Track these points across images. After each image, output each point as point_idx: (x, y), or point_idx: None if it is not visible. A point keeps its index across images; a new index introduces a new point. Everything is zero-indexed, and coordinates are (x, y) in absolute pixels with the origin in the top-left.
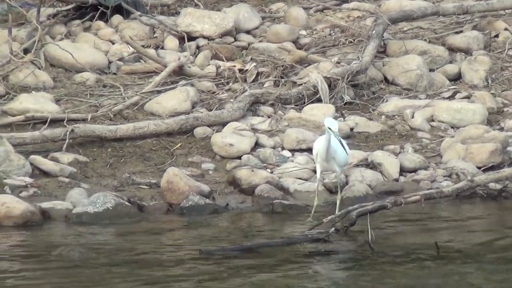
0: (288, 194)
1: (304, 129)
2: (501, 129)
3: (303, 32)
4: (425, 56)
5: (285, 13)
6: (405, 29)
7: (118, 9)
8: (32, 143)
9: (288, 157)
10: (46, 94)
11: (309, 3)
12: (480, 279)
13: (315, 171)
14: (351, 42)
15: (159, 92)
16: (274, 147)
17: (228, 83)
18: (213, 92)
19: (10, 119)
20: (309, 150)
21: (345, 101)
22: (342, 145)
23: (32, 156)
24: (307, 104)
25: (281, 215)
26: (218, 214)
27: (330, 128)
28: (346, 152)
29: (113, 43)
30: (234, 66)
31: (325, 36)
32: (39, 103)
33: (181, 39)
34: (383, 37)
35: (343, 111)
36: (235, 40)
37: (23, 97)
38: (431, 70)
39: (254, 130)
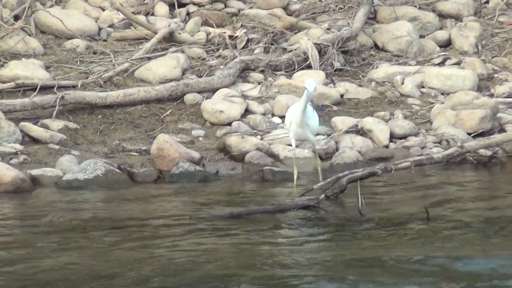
0: (278, 160)
1: (294, 95)
2: (491, 95)
3: None
4: (415, 22)
5: None
6: None
7: None
8: (22, 110)
9: (278, 124)
10: (36, 61)
11: None
12: (469, 244)
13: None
14: (341, 8)
15: (149, 58)
16: (264, 114)
17: (218, 49)
18: (203, 59)
19: (0, 86)
20: None
21: (335, 68)
22: (312, 105)
23: (22, 123)
24: (297, 71)
25: (271, 182)
26: (208, 181)
27: (306, 88)
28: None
29: (103, 10)
30: (224, 32)
31: (315, 2)
32: (29, 70)
33: (171, 6)
34: (373, 3)
35: (333, 78)
36: (226, 6)
37: (13, 64)
38: (421, 36)
39: (244, 96)
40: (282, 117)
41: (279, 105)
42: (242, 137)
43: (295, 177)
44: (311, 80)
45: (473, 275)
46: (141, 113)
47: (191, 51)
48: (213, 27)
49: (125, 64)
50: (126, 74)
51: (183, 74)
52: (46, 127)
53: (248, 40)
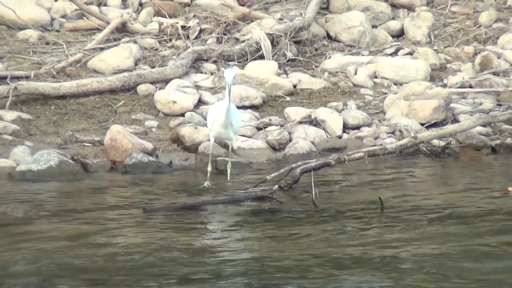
0: (232, 151)
1: (247, 86)
2: (444, 85)
3: None
4: (367, 12)
5: None
6: None
7: None
8: None
9: None
10: None
11: None
12: (422, 234)
13: (258, 128)
14: None
15: (102, 49)
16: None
17: (171, 40)
18: (156, 49)
19: None
20: (253, 107)
21: (288, 58)
22: (229, 92)
23: None
24: (250, 61)
25: (225, 172)
26: (161, 171)
27: (224, 78)
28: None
29: (56, 0)
30: (177, 23)
31: None
32: None
33: None
34: None
35: (286, 68)
36: None
37: None
38: (374, 26)
39: (197, 87)
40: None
41: (232, 95)
42: (195, 128)
43: (209, 174)
44: (230, 70)
45: (427, 266)
46: (94, 104)
47: (144, 41)
48: (165, 17)
49: (78, 54)
50: (79, 64)
51: (136, 64)
52: None
53: (200, 31)
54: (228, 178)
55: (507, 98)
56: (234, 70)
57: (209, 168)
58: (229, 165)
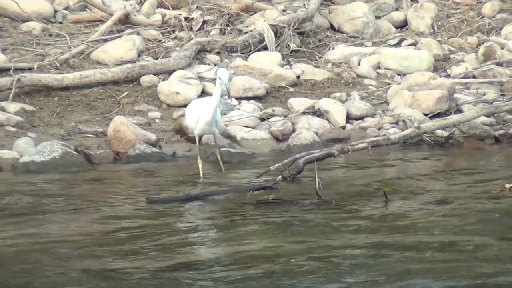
0: (235, 142)
1: (251, 77)
2: (448, 76)
3: None
4: (371, 3)
5: None
6: None
7: None
8: None
9: (235, 105)
10: None
11: None
12: (426, 224)
13: (261, 119)
14: None
15: (105, 41)
16: (220, 95)
17: (174, 31)
18: (159, 41)
19: None
20: (256, 98)
21: (291, 49)
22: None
23: None
24: (253, 52)
25: (228, 163)
26: (165, 162)
27: (220, 78)
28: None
29: None
30: (180, 14)
31: None
32: None
33: None
34: None
35: (290, 59)
36: None
37: None
38: (377, 17)
39: (201, 78)
40: (239, 99)
41: (235, 86)
42: None
43: (200, 169)
44: (223, 69)
45: (431, 259)
46: (98, 95)
47: (147, 33)
48: (168, 9)
49: (81, 46)
50: (82, 56)
51: (139, 56)
52: (2, 109)
53: (203, 22)
54: (222, 169)
55: (510, 88)
56: (227, 70)
57: (200, 164)
58: (218, 156)
